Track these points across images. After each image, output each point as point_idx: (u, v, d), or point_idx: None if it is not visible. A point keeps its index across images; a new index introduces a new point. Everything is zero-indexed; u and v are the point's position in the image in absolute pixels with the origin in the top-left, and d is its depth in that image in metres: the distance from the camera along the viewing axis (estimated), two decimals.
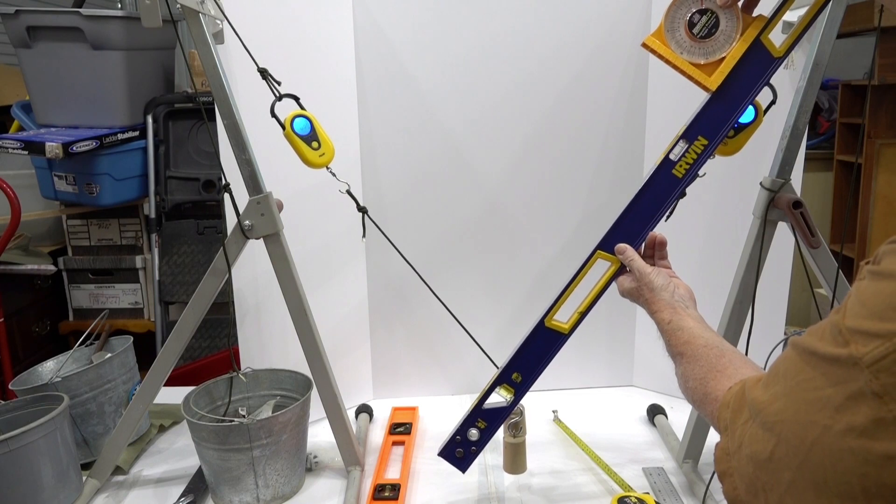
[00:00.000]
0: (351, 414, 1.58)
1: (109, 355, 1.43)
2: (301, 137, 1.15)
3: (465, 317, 1.31)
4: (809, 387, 0.54)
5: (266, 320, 1.51)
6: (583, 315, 1.10)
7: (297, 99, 1.18)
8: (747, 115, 1.10)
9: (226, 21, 1.22)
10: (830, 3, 1.00)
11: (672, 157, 1.03)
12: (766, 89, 1.03)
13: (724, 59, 0.97)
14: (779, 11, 0.97)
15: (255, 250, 1.28)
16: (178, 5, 1.04)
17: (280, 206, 1.24)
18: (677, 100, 1.49)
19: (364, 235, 1.28)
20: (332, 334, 1.41)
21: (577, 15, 1.51)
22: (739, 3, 0.96)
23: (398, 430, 1.52)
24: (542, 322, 1.11)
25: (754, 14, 0.97)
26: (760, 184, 1.22)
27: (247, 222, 1.20)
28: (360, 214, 1.28)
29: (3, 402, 1.31)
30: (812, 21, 0.98)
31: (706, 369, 0.82)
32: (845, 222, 2.95)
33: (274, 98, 1.15)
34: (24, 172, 2.40)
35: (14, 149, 2.09)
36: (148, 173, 2.38)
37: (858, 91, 2.84)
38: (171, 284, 2.41)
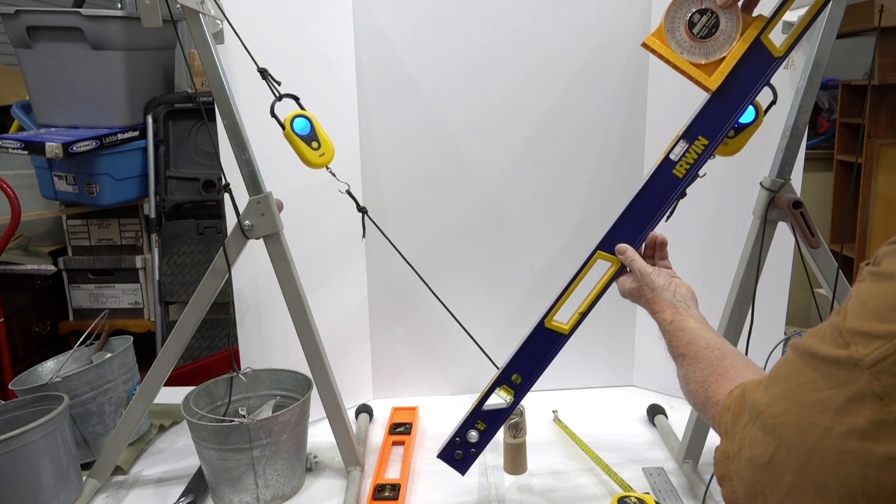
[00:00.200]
0: (351, 414, 1.58)
1: (109, 355, 1.43)
2: (301, 137, 1.15)
3: (465, 317, 1.31)
4: (810, 389, 0.53)
5: (266, 320, 1.51)
6: (583, 316, 1.09)
7: (297, 99, 1.18)
8: (747, 116, 1.10)
9: (226, 21, 1.22)
10: (830, 3, 1.00)
11: (672, 156, 1.03)
12: (766, 89, 1.03)
13: (724, 59, 0.97)
14: (779, 11, 0.96)
15: (255, 250, 1.28)
16: (178, 5, 1.04)
17: (280, 206, 1.24)
18: (677, 100, 1.49)
19: (364, 235, 1.29)
20: (332, 334, 1.41)
21: (577, 15, 1.51)
22: (739, 3, 0.96)
23: (398, 430, 1.52)
24: (541, 323, 1.10)
25: (754, 14, 0.97)
26: (760, 184, 1.22)
27: (247, 222, 1.20)
28: (360, 214, 1.28)
29: (3, 402, 1.31)
30: (812, 21, 0.97)
31: (707, 372, 0.81)
32: (845, 222, 2.95)
33: (274, 98, 1.15)
34: (24, 172, 2.40)
35: (14, 149, 2.09)
36: (148, 173, 2.38)
37: (858, 91, 2.84)
38: (171, 284, 2.41)
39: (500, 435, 1.22)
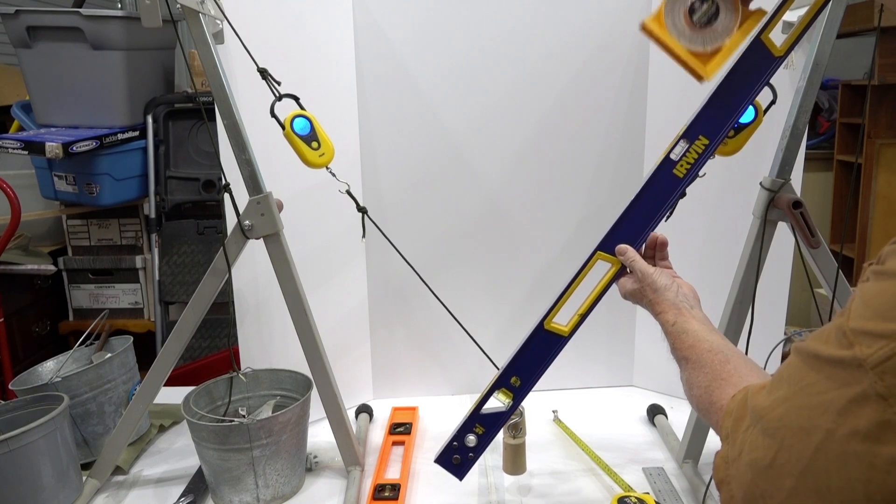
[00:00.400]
0: (351, 414, 1.58)
1: (109, 355, 1.43)
2: (301, 137, 1.15)
3: (465, 317, 1.31)
4: (812, 391, 0.53)
5: (266, 320, 1.51)
6: (583, 317, 1.08)
7: (297, 99, 1.18)
8: (747, 115, 1.10)
9: (226, 21, 1.22)
10: (830, 3, 1.00)
11: (673, 156, 1.02)
12: (766, 89, 1.03)
13: (720, 49, 0.94)
14: (779, 11, 0.96)
15: (255, 250, 1.28)
16: (178, 5, 1.04)
17: (280, 206, 1.24)
18: (677, 100, 1.49)
19: (364, 235, 1.29)
20: (332, 334, 1.41)
21: (577, 15, 1.51)
22: None
23: (398, 430, 1.52)
24: (541, 324, 1.09)
25: (752, 8, 0.95)
26: (760, 184, 1.22)
27: (247, 222, 1.20)
28: (360, 214, 1.28)
29: (3, 402, 1.31)
30: (812, 21, 0.97)
31: (710, 377, 0.80)
32: (845, 222, 2.95)
33: (274, 98, 1.15)
34: (24, 172, 2.40)
35: (14, 149, 2.08)
36: (148, 173, 2.38)
37: (858, 91, 2.84)
38: (171, 284, 2.41)
39: (500, 435, 1.22)
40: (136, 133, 2.33)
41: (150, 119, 2.35)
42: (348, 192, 1.24)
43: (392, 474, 1.35)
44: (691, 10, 0.94)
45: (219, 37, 1.27)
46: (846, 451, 0.49)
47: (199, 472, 1.33)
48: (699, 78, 0.95)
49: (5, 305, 2.15)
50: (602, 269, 1.08)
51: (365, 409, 1.60)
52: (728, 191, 1.50)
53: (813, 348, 0.55)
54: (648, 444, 1.47)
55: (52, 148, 2.02)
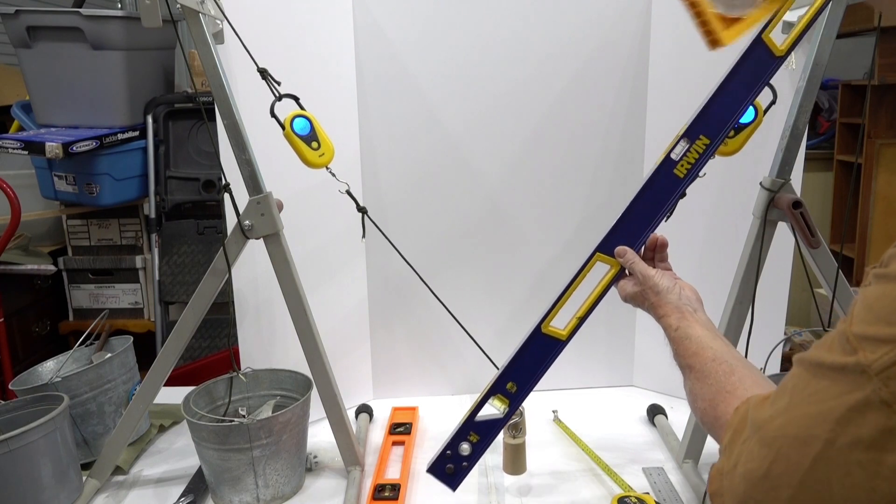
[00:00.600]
0: (351, 414, 1.58)
1: (109, 355, 1.43)
2: (301, 137, 1.15)
3: (465, 317, 1.31)
4: (813, 400, 0.52)
5: (266, 320, 1.51)
6: (581, 320, 1.05)
7: (297, 99, 1.18)
8: (747, 115, 1.10)
9: (226, 21, 1.22)
10: (830, 3, 1.00)
11: (673, 156, 1.00)
12: (766, 89, 1.03)
13: (743, 18, 0.88)
14: (779, 11, 0.96)
15: (255, 250, 1.28)
16: (178, 5, 1.04)
17: (280, 206, 1.24)
18: (677, 100, 1.49)
19: (364, 235, 1.29)
20: (332, 334, 1.41)
21: (577, 15, 1.51)
22: None
23: (398, 430, 1.52)
24: (538, 328, 1.06)
25: None
26: (760, 184, 1.22)
27: (247, 222, 1.20)
28: (360, 214, 1.28)
29: (3, 402, 1.31)
30: (812, 21, 0.97)
31: (715, 389, 0.76)
32: (845, 222, 2.95)
33: (274, 98, 1.15)
34: (24, 172, 2.40)
35: (14, 149, 2.08)
36: (148, 173, 2.38)
37: (858, 91, 2.84)
38: (171, 284, 2.41)
39: (500, 435, 1.22)
40: (136, 133, 2.33)
41: (150, 119, 2.35)
42: (348, 192, 1.24)
43: (392, 474, 1.35)
44: None
45: (219, 37, 1.27)
46: (849, 460, 0.48)
47: (199, 472, 1.33)
48: (715, 42, 0.86)
49: (5, 305, 2.15)
50: (601, 270, 1.06)
51: (365, 409, 1.60)
52: (728, 191, 1.50)
53: (816, 357, 0.53)
54: (648, 444, 1.47)
55: (52, 148, 2.02)
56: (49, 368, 1.43)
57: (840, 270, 1.20)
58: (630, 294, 1.01)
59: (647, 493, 1.25)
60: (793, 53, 1.01)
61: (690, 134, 1.00)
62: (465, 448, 1.08)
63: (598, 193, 1.61)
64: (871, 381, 0.47)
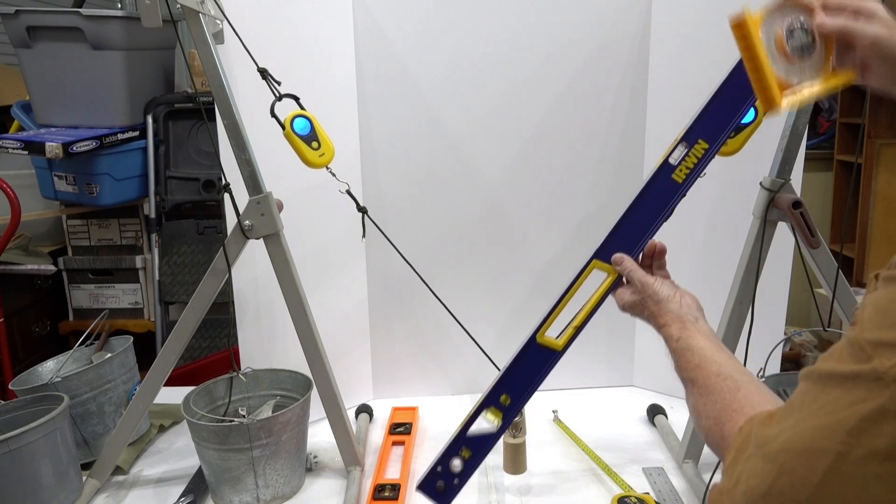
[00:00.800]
0: (351, 414, 1.58)
1: (109, 355, 1.43)
2: (301, 137, 1.15)
3: (465, 317, 1.31)
4: (822, 412, 0.49)
5: (266, 320, 1.51)
6: (578, 330, 1.01)
7: (297, 99, 1.18)
8: (747, 116, 1.09)
9: (226, 21, 1.22)
10: None
11: (671, 160, 0.97)
12: None
13: (802, 90, 0.81)
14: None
15: (255, 250, 1.28)
16: (178, 5, 1.05)
17: (280, 206, 1.24)
18: (677, 100, 1.49)
19: (364, 235, 1.29)
20: (332, 334, 1.41)
21: (577, 15, 1.51)
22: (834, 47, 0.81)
23: (398, 430, 1.52)
24: (533, 338, 1.01)
25: (839, 68, 0.81)
26: (760, 184, 1.23)
27: (247, 222, 1.20)
28: (360, 214, 1.28)
29: (3, 402, 1.31)
30: None
31: (721, 408, 0.72)
32: (845, 222, 2.95)
33: (274, 98, 1.15)
34: (24, 172, 2.40)
35: (14, 149, 2.08)
36: (148, 173, 2.38)
37: (858, 91, 2.84)
38: (171, 284, 2.41)
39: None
40: (136, 133, 2.32)
41: (150, 119, 2.35)
42: (348, 192, 1.24)
43: (392, 474, 1.35)
44: (789, 33, 0.81)
45: (219, 37, 1.27)
46: (865, 473, 0.45)
47: (199, 472, 1.33)
48: (769, 104, 0.79)
49: (5, 305, 2.15)
50: (598, 278, 1.02)
51: (365, 409, 1.60)
52: (728, 191, 1.50)
53: (825, 368, 0.51)
54: (648, 444, 1.47)
55: (52, 148, 2.02)
56: (49, 368, 1.43)
57: (840, 270, 1.21)
58: (628, 303, 0.98)
59: (647, 493, 1.25)
60: None
61: (689, 138, 0.97)
62: (456, 464, 1.03)
63: (598, 193, 1.61)
64: (887, 388, 0.45)
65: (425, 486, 1.05)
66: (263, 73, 1.16)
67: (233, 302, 1.41)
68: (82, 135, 2.15)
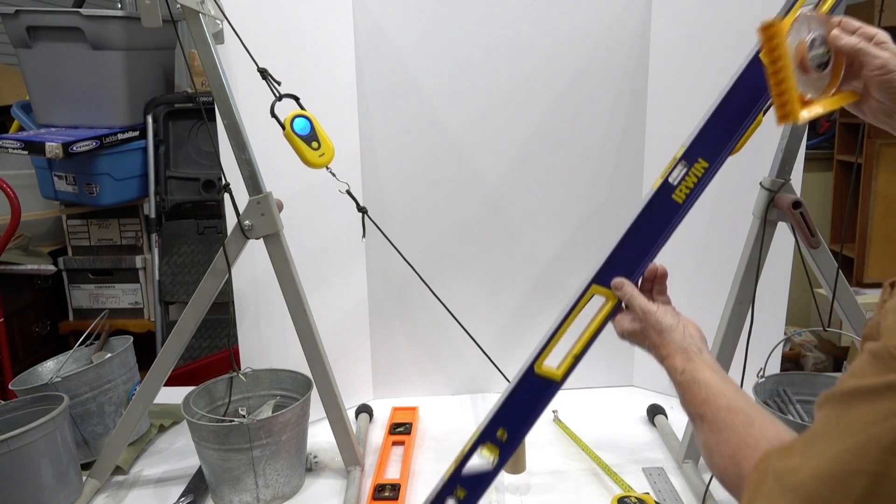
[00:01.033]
0: (351, 414, 1.58)
1: (109, 355, 1.43)
2: (301, 137, 1.15)
3: (465, 317, 1.31)
4: (850, 432, 0.45)
5: (266, 320, 1.51)
6: (577, 359, 0.96)
7: (297, 99, 1.18)
8: None
9: (226, 21, 1.22)
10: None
11: (671, 180, 0.92)
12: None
13: (820, 103, 0.81)
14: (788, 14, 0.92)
15: (255, 250, 1.28)
16: (178, 5, 1.05)
17: (280, 206, 1.24)
18: (677, 100, 1.49)
19: (364, 235, 1.29)
20: (332, 334, 1.41)
21: (577, 15, 1.51)
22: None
23: (398, 430, 1.52)
24: (531, 368, 0.95)
25: (846, 86, 0.83)
26: (760, 184, 1.23)
27: (247, 222, 1.20)
28: (360, 214, 1.28)
29: (3, 402, 1.31)
30: None
31: (735, 443, 0.68)
32: (845, 222, 2.95)
33: (274, 98, 1.15)
34: (24, 172, 2.40)
35: (14, 149, 2.08)
36: (148, 173, 2.38)
37: None
38: (171, 284, 2.41)
39: None
40: (136, 133, 2.33)
41: (150, 119, 2.35)
42: (348, 192, 1.24)
43: (392, 474, 1.35)
44: (811, 45, 0.81)
45: (219, 37, 1.27)
46: None
47: (199, 472, 1.33)
48: (789, 115, 0.78)
49: (5, 305, 2.15)
50: (597, 303, 0.96)
51: (365, 409, 1.60)
52: (728, 191, 1.50)
53: (848, 386, 0.48)
54: (648, 444, 1.47)
55: (52, 148, 2.02)
56: (49, 368, 1.43)
57: (840, 270, 1.21)
58: (628, 331, 0.93)
59: (647, 493, 1.25)
60: None
61: (689, 156, 0.92)
62: None
63: (598, 193, 1.61)
64: None
65: None
66: (263, 73, 1.16)
67: (233, 302, 1.41)
68: (82, 135, 2.15)
